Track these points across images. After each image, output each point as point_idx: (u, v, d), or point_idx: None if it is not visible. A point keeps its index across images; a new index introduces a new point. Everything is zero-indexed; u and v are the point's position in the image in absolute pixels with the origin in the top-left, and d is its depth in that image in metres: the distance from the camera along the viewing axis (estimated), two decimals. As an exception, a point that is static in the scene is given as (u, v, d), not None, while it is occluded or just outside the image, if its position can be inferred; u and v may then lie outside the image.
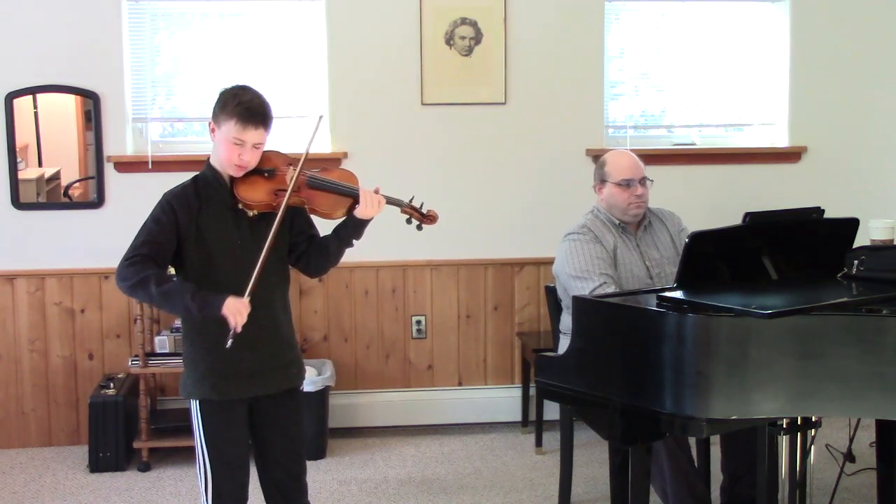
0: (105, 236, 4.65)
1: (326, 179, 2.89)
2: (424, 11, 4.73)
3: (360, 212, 2.86)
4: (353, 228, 2.90)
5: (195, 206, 2.80)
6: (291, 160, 2.89)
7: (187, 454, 4.37)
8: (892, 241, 3.80)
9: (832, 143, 5.05)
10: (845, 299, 2.88)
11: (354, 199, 2.88)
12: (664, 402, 2.61)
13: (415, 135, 4.80)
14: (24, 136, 4.73)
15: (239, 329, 2.67)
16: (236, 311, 2.66)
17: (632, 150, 3.94)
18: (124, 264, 2.75)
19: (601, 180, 3.73)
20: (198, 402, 2.84)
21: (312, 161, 3.15)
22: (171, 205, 2.79)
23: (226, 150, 2.79)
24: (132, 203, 4.58)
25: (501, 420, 4.92)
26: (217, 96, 2.84)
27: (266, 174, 2.85)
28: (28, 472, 4.42)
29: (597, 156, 4.82)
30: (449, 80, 4.78)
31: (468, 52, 4.77)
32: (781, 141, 5.08)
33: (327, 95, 4.73)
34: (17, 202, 4.62)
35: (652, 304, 2.80)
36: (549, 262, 4.78)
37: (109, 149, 4.66)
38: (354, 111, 4.77)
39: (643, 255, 3.68)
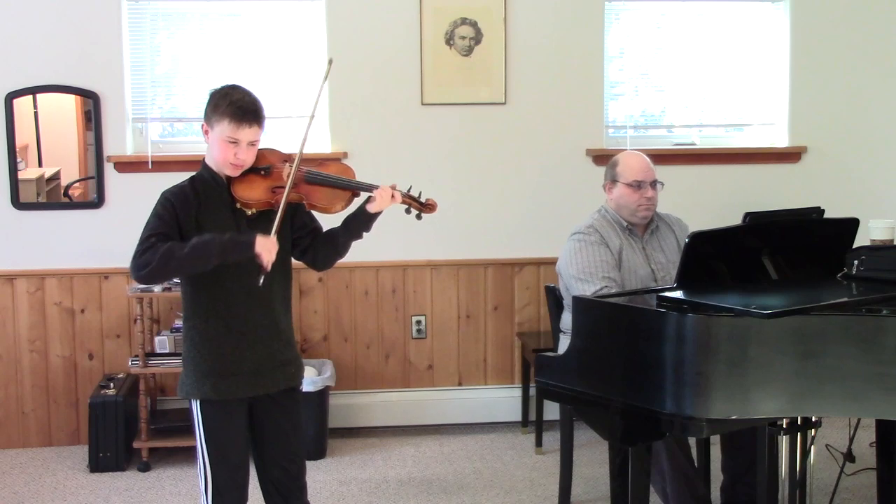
0: (105, 236, 4.66)
1: (324, 174, 2.89)
2: (424, 11, 4.73)
3: (375, 206, 2.87)
4: (364, 220, 2.91)
5: (194, 204, 2.80)
6: (287, 157, 2.89)
7: (187, 454, 4.37)
8: (892, 241, 3.80)
9: (832, 143, 5.05)
10: (845, 299, 2.88)
11: (353, 192, 2.88)
12: (664, 402, 2.61)
13: (415, 135, 4.80)
14: (24, 136, 4.73)
15: (269, 268, 2.68)
16: (267, 248, 2.68)
17: (633, 151, 3.95)
18: (138, 255, 2.70)
19: (612, 180, 3.72)
20: (198, 402, 2.84)
21: (312, 160, 3.16)
22: (170, 201, 2.78)
23: (221, 150, 2.79)
24: (132, 203, 4.59)
25: (501, 420, 4.92)
26: (208, 97, 2.84)
27: (263, 172, 2.85)
28: (28, 472, 4.42)
29: (597, 156, 4.85)
30: (449, 80, 4.78)
31: (468, 52, 4.77)
32: (781, 141, 5.08)
33: (327, 95, 4.73)
34: (17, 202, 4.62)
35: (652, 304, 2.80)
36: (549, 262, 4.80)
37: (109, 149, 4.66)
38: (354, 111, 4.77)
39: (649, 258, 3.67)
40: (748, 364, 2.57)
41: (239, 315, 2.82)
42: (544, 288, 4.24)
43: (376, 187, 2.89)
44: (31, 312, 4.67)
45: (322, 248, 2.95)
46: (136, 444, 4.42)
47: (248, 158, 2.81)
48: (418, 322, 4.91)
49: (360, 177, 2.94)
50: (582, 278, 3.54)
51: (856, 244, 3.16)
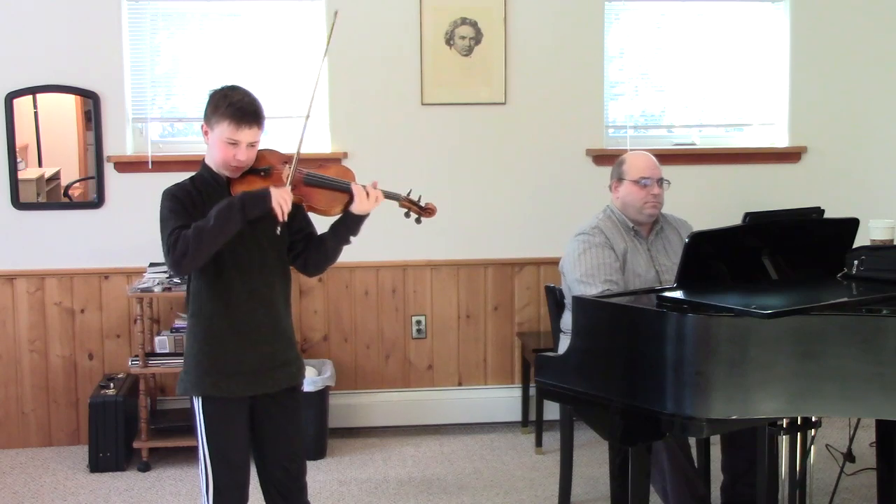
0: (105, 236, 4.66)
1: (323, 176, 2.89)
2: (424, 11, 4.73)
3: (355, 207, 2.85)
4: (350, 225, 2.90)
5: (198, 201, 2.80)
6: (287, 158, 2.90)
7: (187, 454, 4.37)
8: (892, 241, 3.80)
9: (832, 143, 5.05)
10: (845, 299, 2.88)
11: (351, 194, 2.88)
12: (664, 402, 2.61)
13: (415, 135, 4.80)
14: (24, 136, 4.73)
15: (285, 218, 2.71)
16: (282, 200, 2.71)
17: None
18: (172, 248, 2.69)
19: (618, 178, 3.72)
20: (200, 400, 2.84)
21: (310, 160, 3.16)
22: (177, 196, 2.79)
23: (221, 150, 2.80)
24: (132, 203, 4.60)
25: (501, 420, 4.92)
26: (207, 98, 2.85)
27: (262, 173, 2.85)
28: (28, 472, 4.42)
29: (597, 156, 4.85)
30: (449, 80, 4.78)
31: (468, 52, 4.77)
32: (781, 141, 5.08)
33: (327, 95, 4.73)
34: (17, 202, 4.62)
35: (652, 304, 2.80)
36: (549, 262, 4.80)
37: (109, 149, 4.66)
38: (354, 111, 4.77)
39: (653, 260, 3.67)
40: (748, 364, 2.57)
41: (242, 314, 2.83)
42: (544, 288, 4.24)
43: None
44: (31, 312, 4.67)
45: (313, 254, 2.94)
46: (136, 444, 4.42)
47: (247, 159, 2.82)
48: (418, 322, 4.91)
49: (362, 179, 2.94)
50: (584, 280, 3.54)
51: (856, 244, 3.16)
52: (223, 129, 2.77)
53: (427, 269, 4.89)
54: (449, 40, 4.76)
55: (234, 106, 2.77)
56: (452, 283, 4.90)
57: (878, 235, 3.82)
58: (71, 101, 4.75)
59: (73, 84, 4.61)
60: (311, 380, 4.38)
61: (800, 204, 3.72)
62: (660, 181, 3.68)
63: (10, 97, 4.57)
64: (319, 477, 4.26)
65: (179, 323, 4.49)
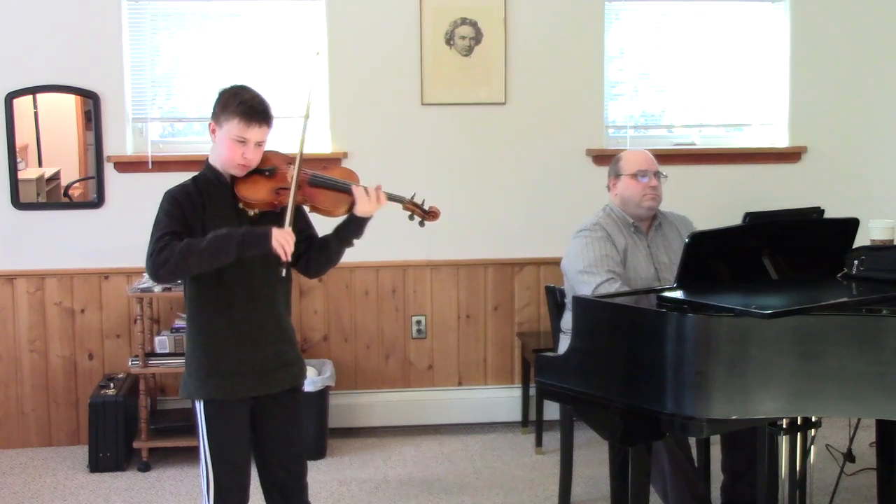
0: (105, 236, 4.66)
1: (328, 177, 2.90)
2: (424, 11, 4.73)
3: (358, 209, 2.86)
4: (353, 227, 2.90)
5: (199, 203, 2.80)
6: (291, 159, 2.90)
7: (187, 454, 4.38)
8: (892, 241, 3.80)
9: (832, 143, 5.06)
10: (845, 299, 2.87)
11: (354, 196, 2.88)
12: (664, 403, 2.61)
13: (415, 135, 4.80)
14: (24, 136, 4.73)
15: (289, 258, 2.69)
16: (284, 242, 2.68)
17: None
18: (154, 255, 2.69)
19: (615, 175, 3.74)
20: (202, 402, 2.84)
21: (313, 161, 3.16)
22: (176, 199, 2.78)
23: (228, 149, 2.79)
24: (132, 203, 4.60)
25: (501, 420, 4.92)
26: (217, 96, 2.84)
27: (267, 173, 2.85)
28: (28, 472, 4.42)
29: (597, 156, 4.85)
30: (449, 80, 4.78)
31: (468, 52, 4.77)
32: (781, 141, 5.08)
33: (327, 95, 4.73)
34: (17, 202, 4.62)
35: (652, 304, 2.80)
36: (549, 262, 4.80)
37: (109, 149, 4.66)
38: (354, 111, 4.77)
39: (653, 257, 3.68)
40: (748, 364, 2.57)
41: (243, 315, 2.83)
42: (544, 288, 4.24)
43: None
44: (31, 312, 4.67)
45: (315, 256, 2.94)
46: (136, 444, 4.42)
47: (254, 158, 2.82)
48: (418, 322, 4.91)
49: (363, 180, 2.94)
50: (587, 271, 3.55)
51: (856, 244, 3.16)
52: (232, 127, 2.77)
53: (427, 269, 4.89)
54: (449, 40, 4.76)
55: (245, 104, 2.77)
56: (452, 283, 4.90)
57: (878, 235, 3.82)
58: (71, 101, 4.75)
59: (73, 84, 4.61)
60: (311, 380, 4.38)
61: (800, 204, 3.72)
62: (656, 174, 3.71)
63: (10, 97, 4.57)
64: (319, 477, 4.26)
65: (179, 323, 4.49)
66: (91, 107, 4.63)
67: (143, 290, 4.34)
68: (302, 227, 2.94)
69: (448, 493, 4.13)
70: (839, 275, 3.13)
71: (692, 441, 3.67)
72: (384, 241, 4.59)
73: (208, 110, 2.88)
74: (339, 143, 4.77)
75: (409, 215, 3.01)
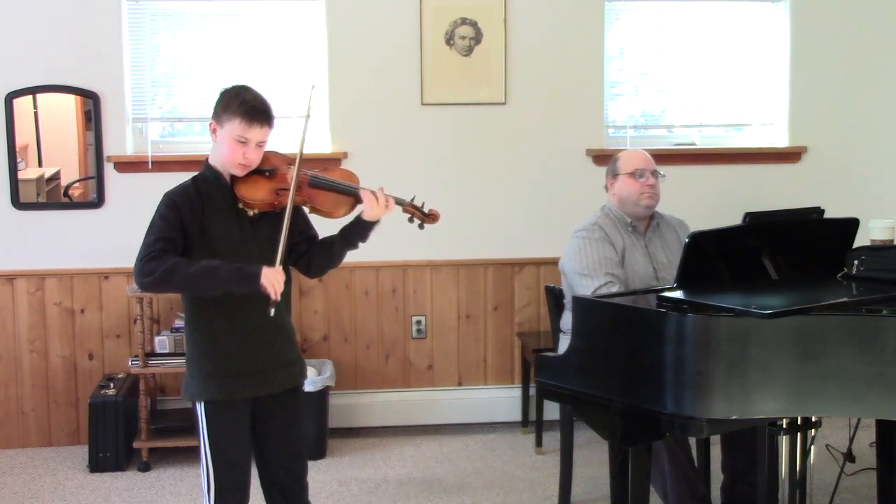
0: (105, 236, 4.66)
1: (328, 178, 2.90)
2: (424, 11, 4.73)
3: (366, 213, 2.87)
4: (360, 231, 2.91)
5: (198, 205, 2.80)
6: (291, 160, 2.90)
7: (187, 454, 4.38)
8: (892, 241, 3.80)
9: (832, 143, 5.06)
10: (845, 299, 2.87)
11: (356, 198, 2.88)
12: (664, 402, 2.61)
13: (415, 135, 4.80)
14: (24, 136, 4.73)
15: (279, 298, 2.68)
16: (274, 281, 2.68)
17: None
18: (143, 261, 2.70)
19: (613, 174, 3.75)
20: (203, 403, 2.83)
21: (313, 161, 3.16)
22: (174, 202, 2.78)
23: (229, 148, 2.79)
24: (132, 203, 4.60)
25: (501, 420, 4.92)
26: (218, 96, 2.84)
27: (267, 174, 2.85)
28: (28, 472, 4.42)
29: (597, 156, 4.86)
30: (449, 80, 4.78)
31: (468, 52, 4.77)
32: (781, 141, 5.08)
33: (327, 95, 4.73)
34: (17, 202, 4.62)
35: (652, 304, 2.80)
36: (549, 262, 4.80)
37: (109, 149, 4.66)
38: (354, 111, 4.77)
39: (651, 257, 3.68)
40: (748, 364, 2.57)
41: (244, 315, 2.82)
42: (544, 288, 4.24)
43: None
44: (31, 312, 4.68)
45: (317, 257, 2.95)
46: (136, 444, 4.42)
47: (255, 158, 2.82)
48: (418, 322, 4.91)
49: (363, 180, 2.94)
50: (585, 274, 3.55)
51: (856, 244, 3.17)
52: (234, 127, 2.77)
53: (427, 269, 4.89)
54: (449, 40, 4.76)
55: (247, 104, 2.77)
56: (452, 283, 4.90)
57: (878, 235, 3.82)
58: (71, 101, 4.75)
59: (73, 84, 4.61)
60: (311, 380, 4.38)
61: (800, 204, 3.72)
62: (654, 173, 3.71)
63: (10, 97, 4.57)
64: (319, 477, 4.26)
65: (179, 323, 4.49)
66: (91, 107, 4.63)
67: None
68: (302, 228, 2.94)
69: (448, 493, 4.13)
70: (839, 275, 3.13)
71: (692, 441, 3.67)
72: (384, 241, 4.55)
73: (208, 110, 2.88)
74: (339, 143, 4.77)
75: (408, 217, 3.01)
